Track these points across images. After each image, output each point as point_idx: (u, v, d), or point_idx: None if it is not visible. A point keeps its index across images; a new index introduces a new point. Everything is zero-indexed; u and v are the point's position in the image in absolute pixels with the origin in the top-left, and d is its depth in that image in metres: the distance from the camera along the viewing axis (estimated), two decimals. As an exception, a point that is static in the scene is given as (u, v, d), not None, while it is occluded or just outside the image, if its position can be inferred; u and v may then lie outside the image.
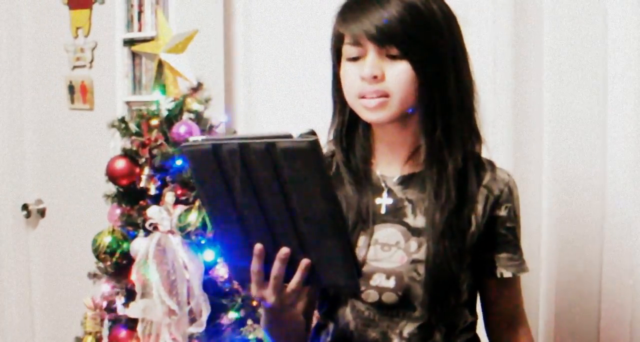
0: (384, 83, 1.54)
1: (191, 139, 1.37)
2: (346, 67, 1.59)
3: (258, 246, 1.38)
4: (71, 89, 3.52)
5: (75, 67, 3.52)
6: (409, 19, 1.52)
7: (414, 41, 1.52)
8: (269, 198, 1.33)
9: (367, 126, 1.66)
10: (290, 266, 1.38)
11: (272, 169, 1.30)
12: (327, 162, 1.68)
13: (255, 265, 1.40)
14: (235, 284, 2.52)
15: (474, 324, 1.72)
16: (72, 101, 3.54)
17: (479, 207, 1.64)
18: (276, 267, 1.38)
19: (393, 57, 1.54)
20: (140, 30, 3.09)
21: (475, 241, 1.63)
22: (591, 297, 2.47)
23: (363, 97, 1.56)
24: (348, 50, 1.58)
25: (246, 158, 1.30)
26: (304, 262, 1.37)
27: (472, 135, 1.65)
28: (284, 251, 1.37)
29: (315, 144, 1.27)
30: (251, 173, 1.32)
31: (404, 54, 1.53)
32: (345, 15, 1.58)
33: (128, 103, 3.12)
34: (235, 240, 1.41)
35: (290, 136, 1.27)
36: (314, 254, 1.36)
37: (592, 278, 2.46)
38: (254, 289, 1.44)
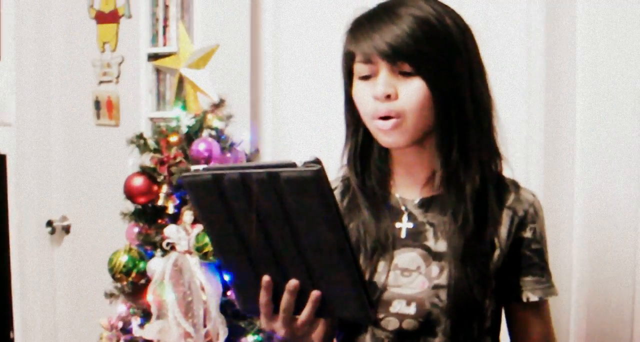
0: (398, 102, 1.49)
1: (192, 168, 1.33)
2: (358, 87, 1.54)
3: (266, 278, 1.34)
4: (97, 104, 3.50)
5: (101, 82, 3.49)
6: (422, 34, 1.47)
7: (427, 57, 1.47)
8: (274, 229, 1.29)
9: (384, 148, 1.61)
10: (300, 297, 1.34)
11: (276, 199, 1.25)
12: (334, 190, 1.61)
13: (263, 297, 1.36)
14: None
15: None
16: (98, 117, 3.51)
17: (503, 230, 1.58)
18: (285, 300, 1.34)
19: (406, 75, 1.48)
20: (165, 44, 3.07)
21: (500, 264, 1.57)
22: (624, 322, 2.41)
23: (377, 118, 1.50)
24: (359, 68, 1.53)
25: (249, 188, 1.26)
26: (314, 294, 1.33)
27: (492, 155, 1.59)
28: (293, 283, 1.32)
29: (319, 173, 1.22)
30: (255, 203, 1.28)
31: (417, 70, 1.47)
32: (356, 32, 1.53)
33: (152, 119, 3.09)
34: (242, 271, 1.37)
35: (294, 165, 1.23)
36: (324, 285, 1.32)
37: (625, 302, 2.40)
38: (263, 322, 1.40)
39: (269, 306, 1.36)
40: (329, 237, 1.26)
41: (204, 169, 1.31)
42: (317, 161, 1.22)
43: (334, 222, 1.25)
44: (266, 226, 1.29)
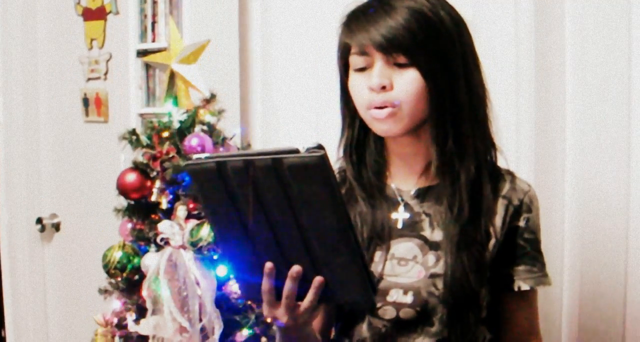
0: (393, 92, 1.50)
1: (195, 156, 1.33)
2: (354, 78, 1.56)
3: (268, 265, 1.34)
4: (85, 101, 3.49)
5: (89, 79, 3.48)
6: (416, 26, 1.48)
7: (421, 48, 1.49)
8: (277, 215, 1.29)
9: (380, 139, 1.63)
10: (302, 284, 1.34)
11: (279, 185, 1.26)
12: (337, 178, 1.63)
13: (266, 284, 1.36)
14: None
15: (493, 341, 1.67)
16: (87, 114, 3.50)
17: (498, 219, 1.59)
18: (288, 286, 1.35)
19: (401, 66, 1.50)
20: (154, 40, 3.06)
21: (495, 253, 1.58)
22: (615, 311, 2.42)
23: (372, 108, 1.52)
24: (355, 60, 1.54)
25: (252, 175, 1.27)
26: (317, 280, 1.33)
27: (486, 145, 1.60)
28: (296, 269, 1.33)
29: (323, 159, 1.22)
30: (258, 190, 1.28)
31: (412, 61, 1.49)
32: (351, 25, 1.55)
33: (142, 115, 3.09)
34: (245, 258, 1.37)
35: (297, 151, 1.24)
36: (327, 271, 1.32)
37: (616, 290, 2.42)
38: (265, 309, 1.40)
39: (271, 293, 1.36)
40: (332, 223, 1.27)
41: (207, 157, 1.31)
42: (320, 147, 1.23)
43: (337, 207, 1.26)
44: (269, 212, 1.29)
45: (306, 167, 1.23)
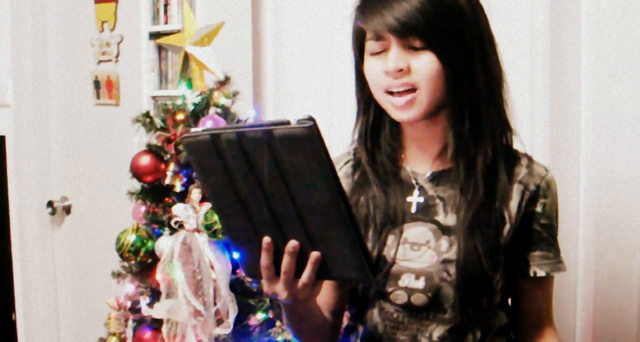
0: (411, 76, 1.49)
1: (192, 130, 1.33)
2: (369, 63, 1.54)
3: (266, 240, 1.33)
4: (97, 84, 3.48)
5: (100, 61, 3.47)
6: (431, 8, 1.47)
7: (437, 31, 1.47)
8: (271, 188, 1.29)
9: (395, 124, 1.62)
10: (300, 259, 1.33)
11: (271, 157, 1.25)
12: (347, 164, 1.68)
13: (264, 260, 1.35)
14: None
15: (510, 326, 1.67)
16: (98, 96, 3.50)
17: (513, 204, 1.58)
18: (286, 262, 1.34)
19: (417, 49, 1.49)
20: (166, 23, 3.06)
21: (510, 239, 1.57)
22: (631, 298, 2.42)
23: (390, 93, 1.51)
24: (370, 45, 1.53)
25: (245, 147, 1.27)
26: (314, 255, 1.32)
27: (502, 128, 1.59)
28: (292, 244, 1.32)
29: (312, 130, 1.22)
30: (251, 163, 1.28)
31: (428, 44, 1.48)
32: (365, 9, 1.53)
33: (154, 98, 3.08)
34: (243, 234, 1.37)
35: (288, 123, 1.23)
36: (322, 246, 1.32)
37: (631, 278, 2.42)
38: (265, 285, 1.40)
39: (270, 269, 1.35)
40: (324, 195, 1.26)
41: (203, 130, 1.31)
42: (311, 119, 1.22)
43: (328, 179, 1.25)
44: (263, 186, 1.29)
45: (296, 138, 1.22)
